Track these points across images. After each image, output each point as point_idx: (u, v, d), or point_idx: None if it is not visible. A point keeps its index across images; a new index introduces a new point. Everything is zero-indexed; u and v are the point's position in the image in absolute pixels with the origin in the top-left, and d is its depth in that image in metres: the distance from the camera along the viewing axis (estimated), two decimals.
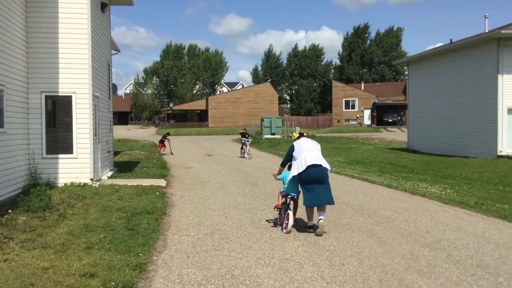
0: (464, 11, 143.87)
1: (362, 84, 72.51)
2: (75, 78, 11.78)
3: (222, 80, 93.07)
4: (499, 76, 19.77)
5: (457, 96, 22.94)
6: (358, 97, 65.99)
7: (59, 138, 11.87)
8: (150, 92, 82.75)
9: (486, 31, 22.54)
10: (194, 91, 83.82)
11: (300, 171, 7.47)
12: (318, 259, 6.12)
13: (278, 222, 8.08)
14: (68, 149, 11.86)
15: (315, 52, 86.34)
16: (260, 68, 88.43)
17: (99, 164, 13.31)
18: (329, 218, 8.53)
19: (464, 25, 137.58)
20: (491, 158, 19.71)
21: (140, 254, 6.16)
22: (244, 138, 23.39)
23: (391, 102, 65.67)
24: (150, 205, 9.43)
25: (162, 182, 13.26)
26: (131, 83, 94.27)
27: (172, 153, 24.61)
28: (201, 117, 73.64)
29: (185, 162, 20.25)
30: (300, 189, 7.82)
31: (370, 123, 64.97)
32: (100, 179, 13.02)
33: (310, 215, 7.69)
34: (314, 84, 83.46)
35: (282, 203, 7.92)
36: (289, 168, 7.93)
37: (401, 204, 10.19)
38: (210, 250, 6.53)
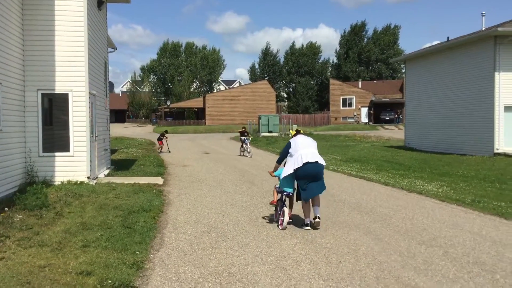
0: (461, 9, 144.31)
1: (359, 82, 72.53)
2: (71, 76, 11.74)
3: (220, 78, 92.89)
4: (496, 74, 19.80)
5: (454, 94, 22.97)
6: (355, 95, 66.07)
7: (55, 136, 11.83)
8: (147, 90, 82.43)
9: (483, 29, 22.53)
10: (192, 89, 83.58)
11: (296, 167, 7.58)
12: (315, 257, 6.13)
13: (274, 219, 8.12)
14: (65, 147, 11.82)
15: (313, 50, 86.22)
16: (257, 66, 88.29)
17: (96, 162, 13.28)
18: (326, 215, 8.56)
19: (461, 23, 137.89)
20: (488, 156, 19.75)
21: (137, 252, 6.15)
22: (243, 137, 23.37)
23: (388, 100, 65.73)
24: (147, 203, 9.42)
25: (159, 180, 13.25)
26: (128, 81, 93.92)
27: (169, 151, 24.59)
28: (199, 115, 73.53)
29: (182, 160, 20.24)
30: (295, 185, 7.88)
31: (367, 121, 65.04)
32: (97, 177, 12.99)
33: (306, 211, 7.74)
34: (312, 82, 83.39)
35: (278, 200, 7.95)
36: (285, 165, 7.97)
37: (398, 202, 10.21)
38: (207, 248, 6.53)
